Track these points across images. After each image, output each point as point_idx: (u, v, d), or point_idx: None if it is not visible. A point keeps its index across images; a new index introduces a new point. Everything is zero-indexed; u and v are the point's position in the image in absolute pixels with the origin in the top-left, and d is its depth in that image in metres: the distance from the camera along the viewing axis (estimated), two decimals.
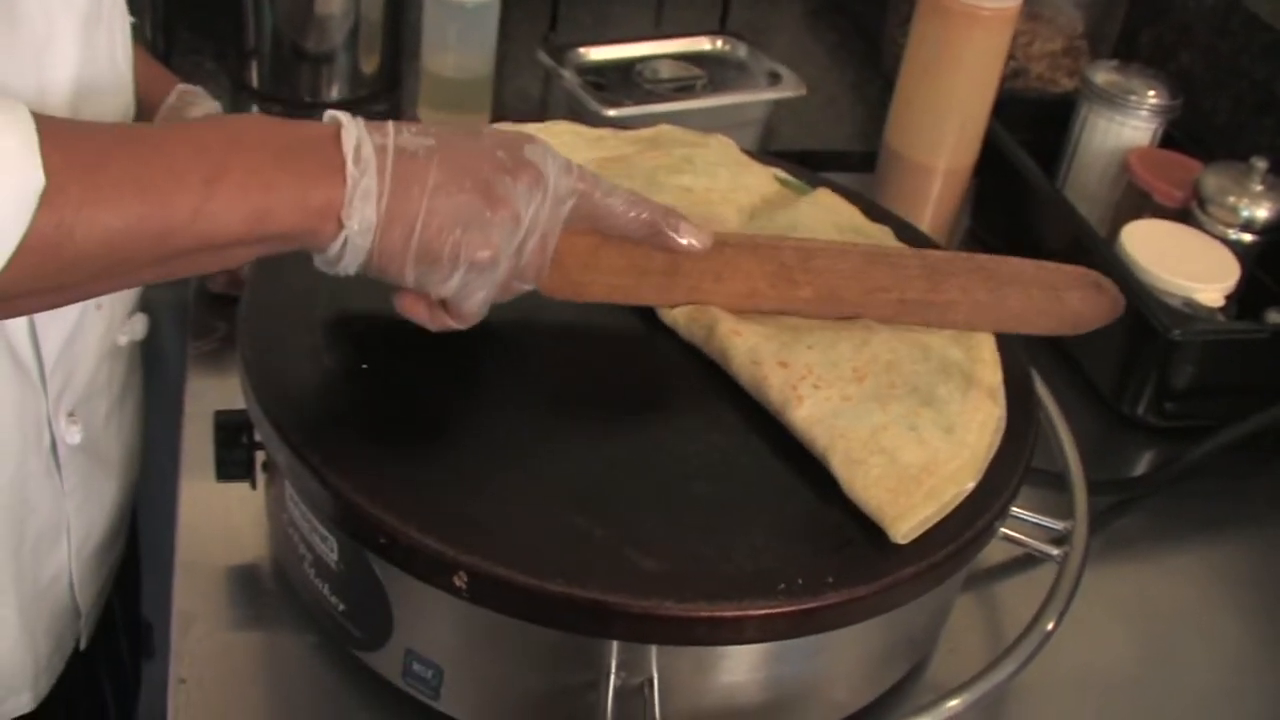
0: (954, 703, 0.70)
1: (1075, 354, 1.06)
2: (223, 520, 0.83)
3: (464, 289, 0.67)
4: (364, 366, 0.73)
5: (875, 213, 0.91)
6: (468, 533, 0.64)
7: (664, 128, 0.94)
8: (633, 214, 0.71)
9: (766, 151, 1.26)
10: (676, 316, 0.78)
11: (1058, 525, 0.80)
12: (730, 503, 0.68)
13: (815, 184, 0.92)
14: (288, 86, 1.24)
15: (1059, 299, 0.79)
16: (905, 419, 0.70)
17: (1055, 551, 0.78)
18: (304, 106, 1.24)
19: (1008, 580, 0.87)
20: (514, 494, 0.67)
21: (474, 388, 0.73)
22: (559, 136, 0.91)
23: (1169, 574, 0.92)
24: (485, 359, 0.75)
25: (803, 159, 1.30)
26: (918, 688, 0.79)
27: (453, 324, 0.70)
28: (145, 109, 0.95)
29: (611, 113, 1.08)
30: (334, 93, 1.25)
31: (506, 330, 0.76)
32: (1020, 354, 0.81)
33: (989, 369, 0.76)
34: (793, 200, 0.89)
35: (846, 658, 0.72)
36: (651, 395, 0.76)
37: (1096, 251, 1.03)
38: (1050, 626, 0.74)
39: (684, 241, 0.72)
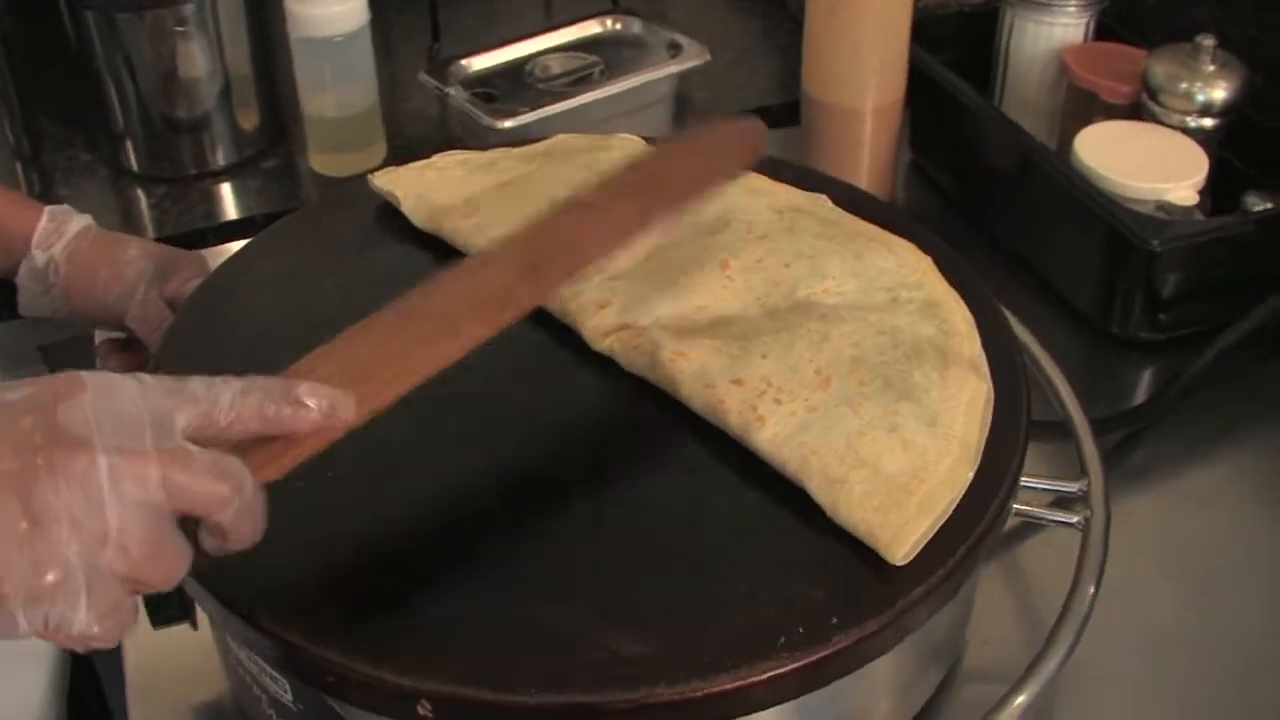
0: (1020, 699, 0.64)
1: (1053, 280, 0.98)
2: (173, 661, 0.75)
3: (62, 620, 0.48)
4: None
5: (808, 181, 0.83)
6: (422, 653, 0.56)
7: (561, 137, 0.87)
8: (239, 409, 0.52)
9: (681, 130, 1.19)
10: (613, 345, 0.70)
11: (1071, 487, 0.73)
12: (707, 552, 0.61)
13: None
14: (168, 162, 1.16)
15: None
16: (882, 420, 0.63)
17: (1074, 519, 0.71)
18: (190, 180, 1.16)
19: (1023, 548, 0.80)
20: (466, 594, 0.59)
21: (399, 476, 0.65)
22: (448, 171, 0.83)
23: (1194, 499, 0.85)
24: (401, 439, 0.67)
25: None
26: (957, 689, 0.72)
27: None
28: (19, 243, 0.88)
29: (508, 124, 1.00)
30: (219, 159, 1.16)
31: (421, 402, 0.68)
32: (998, 314, 0.73)
33: (965, 339, 0.69)
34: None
35: (874, 689, 0.65)
36: (598, 442, 0.68)
37: (1049, 166, 0.95)
38: (1088, 603, 0.67)
39: (313, 410, 0.53)
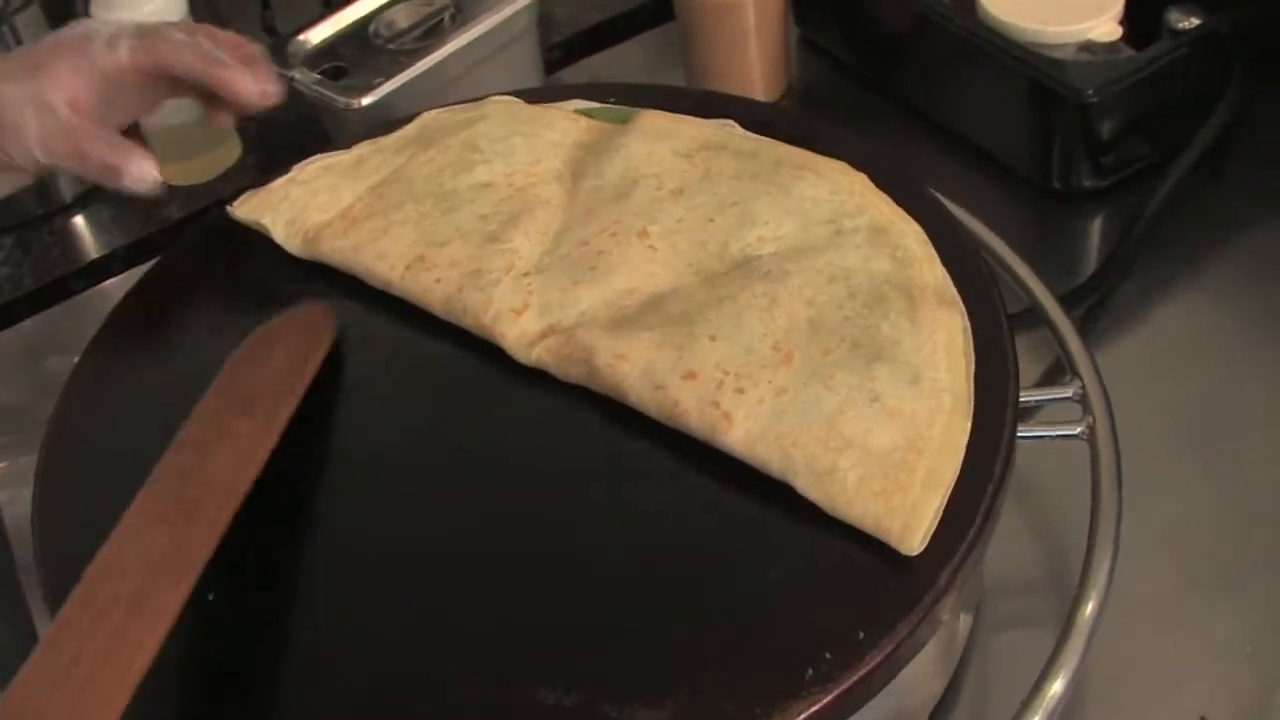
0: (1088, 609, 0.59)
1: (979, 141, 0.91)
2: None
3: None
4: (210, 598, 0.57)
5: (710, 106, 0.75)
6: None
7: (427, 116, 0.78)
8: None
9: (551, 49, 1.10)
10: (542, 356, 0.62)
11: (1064, 392, 0.67)
12: (701, 583, 0.54)
13: (623, 103, 0.76)
14: (8, 207, 1.04)
15: None
16: (860, 390, 0.56)
17: (1077, 429, 0.65)
18: (37, 222, 1.06)
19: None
20: (439, 685, 0.52)
21: (337, 569, 0.57)
22: (314, 182, 0.74)
23: (1175, 349, 0.80)
24: (327, 523, 0.59)
25: (592, 35, 1.14)
26: (988, 619, 0.68)
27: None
28: None
29: (365, 101, 0.90)
30: (63, 192, 1.06)
31: (339, 470, 0.61)
32: (947, 219, 0.66)
33: (925, 264, 0.62)
34: (615, 135, 0.73)
35: (915, 670, 0.59)
36: (550, 477, 0.60)
37: (953, 26, 0.88)
38: (1116, 522, 0.62)
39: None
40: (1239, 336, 0.80)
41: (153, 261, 0.76)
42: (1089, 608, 0.59)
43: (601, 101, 0.77)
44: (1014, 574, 0.69)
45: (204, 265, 0.75)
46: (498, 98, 0.77)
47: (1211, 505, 0.71)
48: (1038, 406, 0.69)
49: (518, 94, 0.78)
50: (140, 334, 0.72)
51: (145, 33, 0.70)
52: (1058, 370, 0.77)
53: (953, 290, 0.61)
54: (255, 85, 0.70)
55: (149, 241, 1.02)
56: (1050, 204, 0.89)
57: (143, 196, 0.71)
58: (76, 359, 0.71)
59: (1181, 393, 0.77)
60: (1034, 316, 0.73)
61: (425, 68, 0.93)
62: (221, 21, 1.22)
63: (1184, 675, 0.65)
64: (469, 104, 0.78)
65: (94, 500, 0.62)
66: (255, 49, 0.74)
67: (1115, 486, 0.63)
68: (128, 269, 1.01)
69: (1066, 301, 0.75)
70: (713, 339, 0.59)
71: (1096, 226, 0.88)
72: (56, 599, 0.56)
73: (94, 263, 1.02)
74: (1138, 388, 0.76)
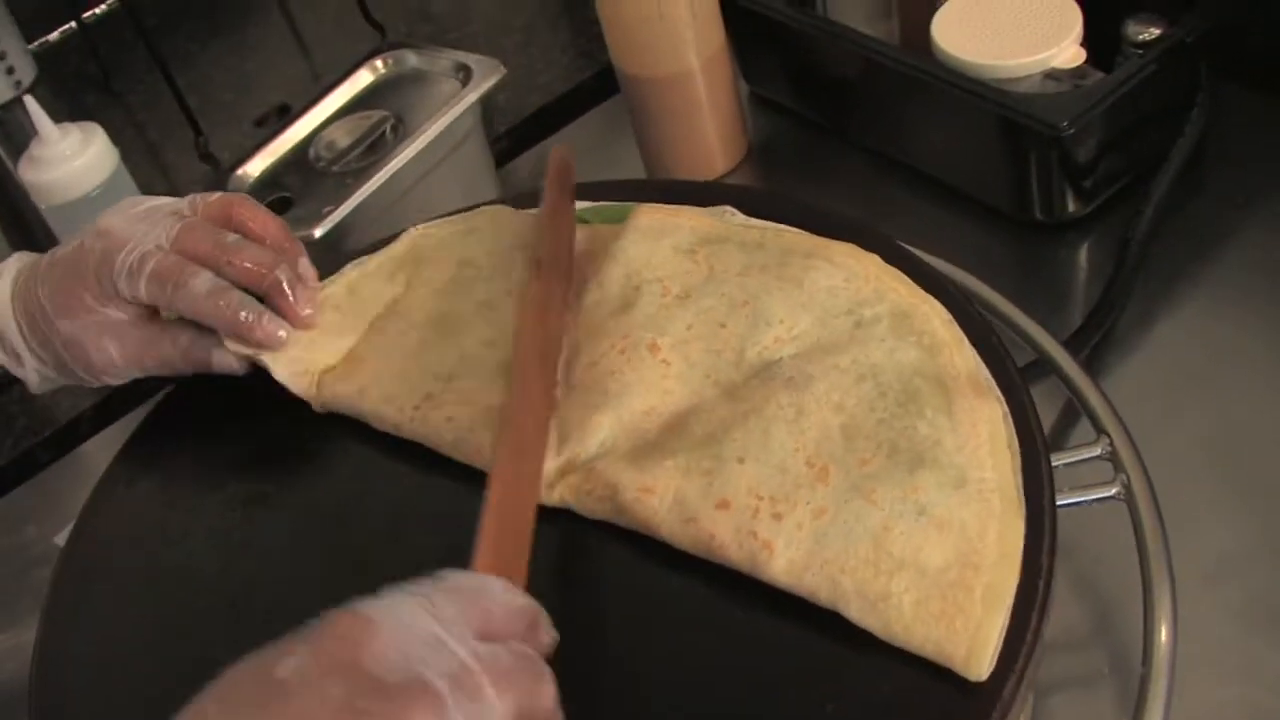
0: (1160, 681, 0.57)
1: (951, 181, 0.89)
2: None
3: None
4: None
5: (706, 195, 0.72)
6: None
7: (412, 233, 0.74)
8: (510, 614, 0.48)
9: (497, 140, 1.08)
10: (565, 496, 0.59)
11: (1093, 451, 0.65)
12: None
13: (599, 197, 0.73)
14: None
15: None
16: (906, 501, 0.53)
17: (1113, 490, 0.63)
18: None
19: None
20: None
21: None
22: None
23: (1189, 372, 0.77)
24: None
25: (539, 119, 1.11)
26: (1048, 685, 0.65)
27: None
28: None
29: (318, 232, 0.86)
30: None
31: None
32: (951, 293, 0.63)
33: (954, 349, 0.59)
34: (611, 239, 0.69)
35: None
36: (586, 623, 0.56)
37: (908, 70, 0.85)
38: (1169, 579, 0.60)
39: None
40: (1249, 349, 0.78)
41: (148, 411, 0.74)
42: (1160, 680, 0.57)
43: (593, 200, 0.74)
44: (1059, 634, 0.67)
45: (198, 413, 0.72)
46: (487, 207, 0.75)
47: (1257, 536, 0.69)
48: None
49: (507, 201, 0.76)
50: (142, 491, 0.69)
51: (162, 275, 0.65)
52: (1070, 417, 0.75)
53: (986, 374, 0.58)
54: (276, 331, 0.67)
55: (113, 400, 0.98)
56: (1034, 236, 0.87)
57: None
58: (60, 538, 0.68)
59: (1203, 419, 0.75)
60: (1041, 368, 0.71)
61: (375, 187, 0.90)
62: (157, 158, 1.20)
63: None
64: (457, 215, 0.75)
65: (93, 682, 0.60)
66: (289, 262, 0.68)
67: (1163, 547, 0.61)
68: (97, 431, 0.97)
69: (1072, 345, 0.73)
70: (741, 461, 0.56)
71: (1084, 253, 0.86)
72: None
73: (61, 431, 0.98)
74: (1157, 421, 0.73)
